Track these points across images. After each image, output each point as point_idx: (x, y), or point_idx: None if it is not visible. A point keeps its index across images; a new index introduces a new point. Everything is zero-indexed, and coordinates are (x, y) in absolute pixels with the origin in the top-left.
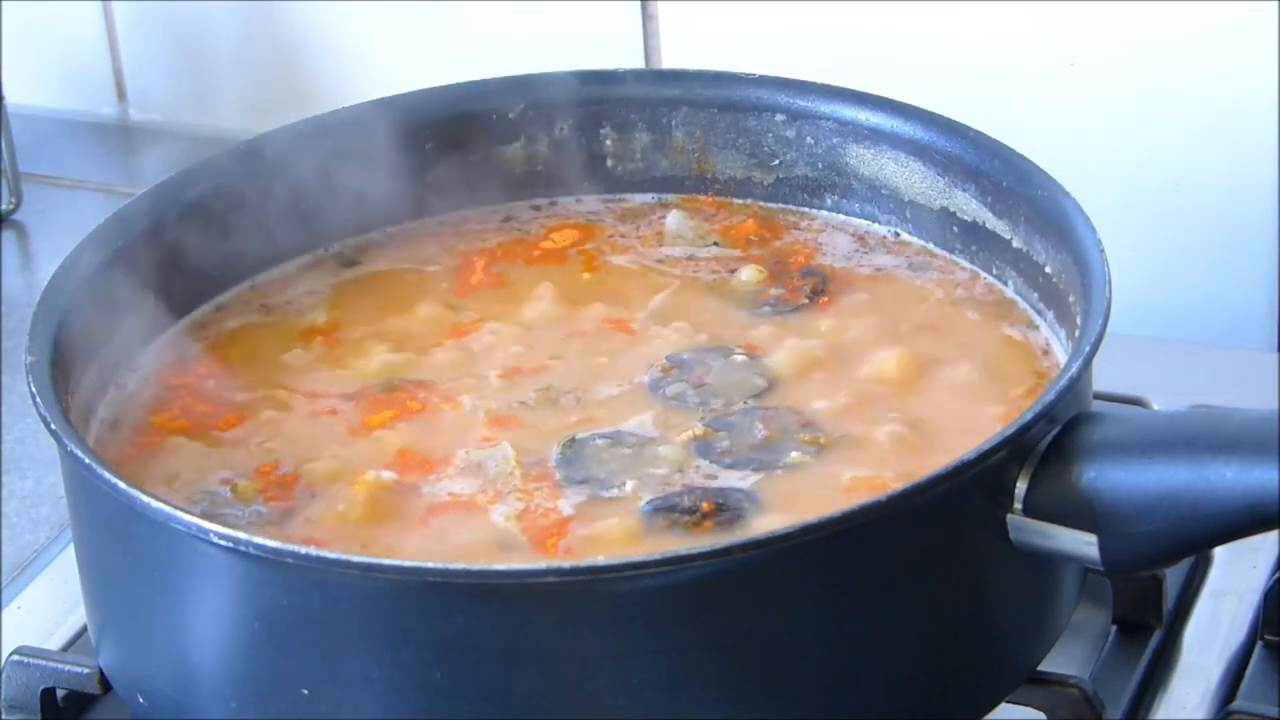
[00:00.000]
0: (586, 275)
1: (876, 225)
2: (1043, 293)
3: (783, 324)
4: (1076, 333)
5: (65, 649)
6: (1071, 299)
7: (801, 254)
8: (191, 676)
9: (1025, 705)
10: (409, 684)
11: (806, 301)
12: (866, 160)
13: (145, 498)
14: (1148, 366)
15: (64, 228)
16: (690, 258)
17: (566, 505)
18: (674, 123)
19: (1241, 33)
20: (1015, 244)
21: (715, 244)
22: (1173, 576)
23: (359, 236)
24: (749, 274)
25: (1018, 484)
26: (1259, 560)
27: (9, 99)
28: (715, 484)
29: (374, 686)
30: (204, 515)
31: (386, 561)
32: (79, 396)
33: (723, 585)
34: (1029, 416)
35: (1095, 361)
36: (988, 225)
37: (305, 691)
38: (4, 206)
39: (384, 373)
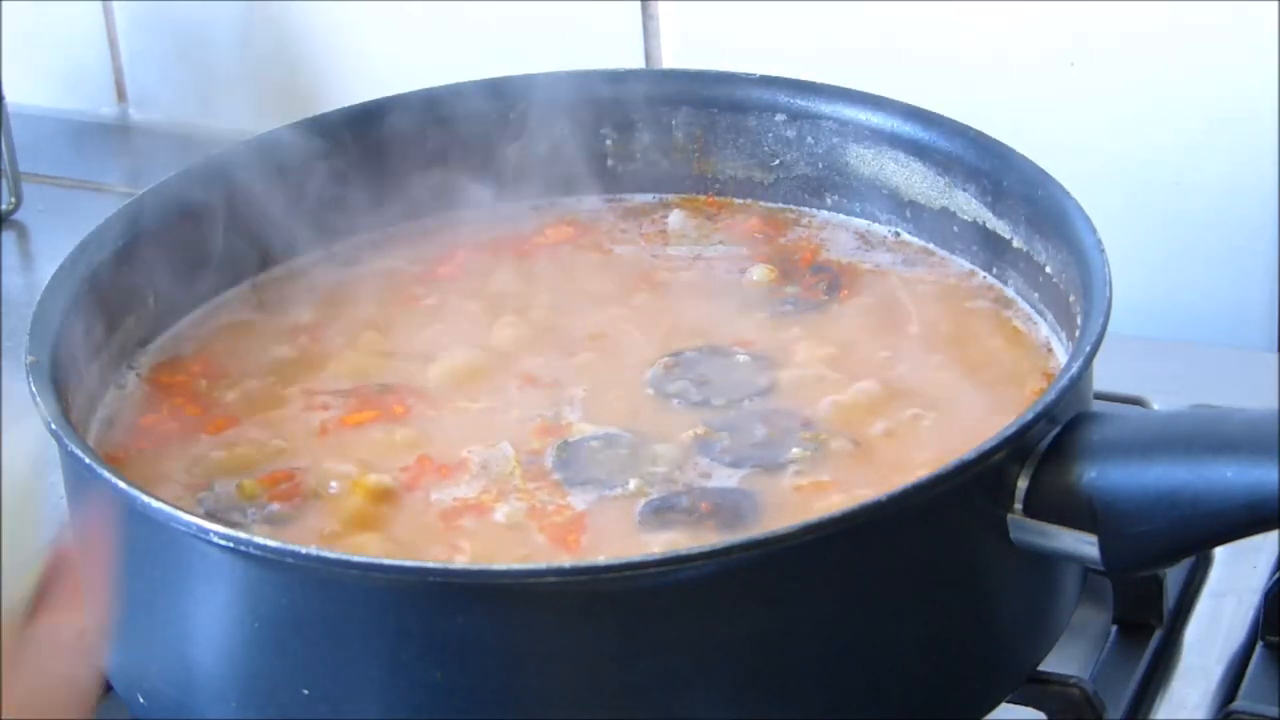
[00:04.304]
0: (589, 273)
1: (877, 225)
2: (1043, 293)
3: (805, 321)
4: (1077, 333)
5: None
6: (1071, 299)
7: (807, 250)
8: (191, 676)
9: (1025, 705)
10: (409, 684)
11: (825, 298)
12: (867, 160)
13: (145, 498)
14: (1148, 366)
15: (64, 228)
16: (698, 257)
17: (577, 503)
18: (674, 123)
19: (1242, 33)
20: (1016, 244)
21: (721, 243)
22: (1173, 576)
23: (358, 236)
24: (760, 273)
25: (1018, 484)
26: (1259, 560)
27: (9, 99)
28: (716, 484)
29: (374, 686)
30: (208, 515)
31: (386, 561)
32: (79, 396)
33: (723, 585)
34: (1029, 416)
35: (1095, 361)
36: (988, 225)
37: (305, 691)
38: (4, 206)
39: (378, 371)
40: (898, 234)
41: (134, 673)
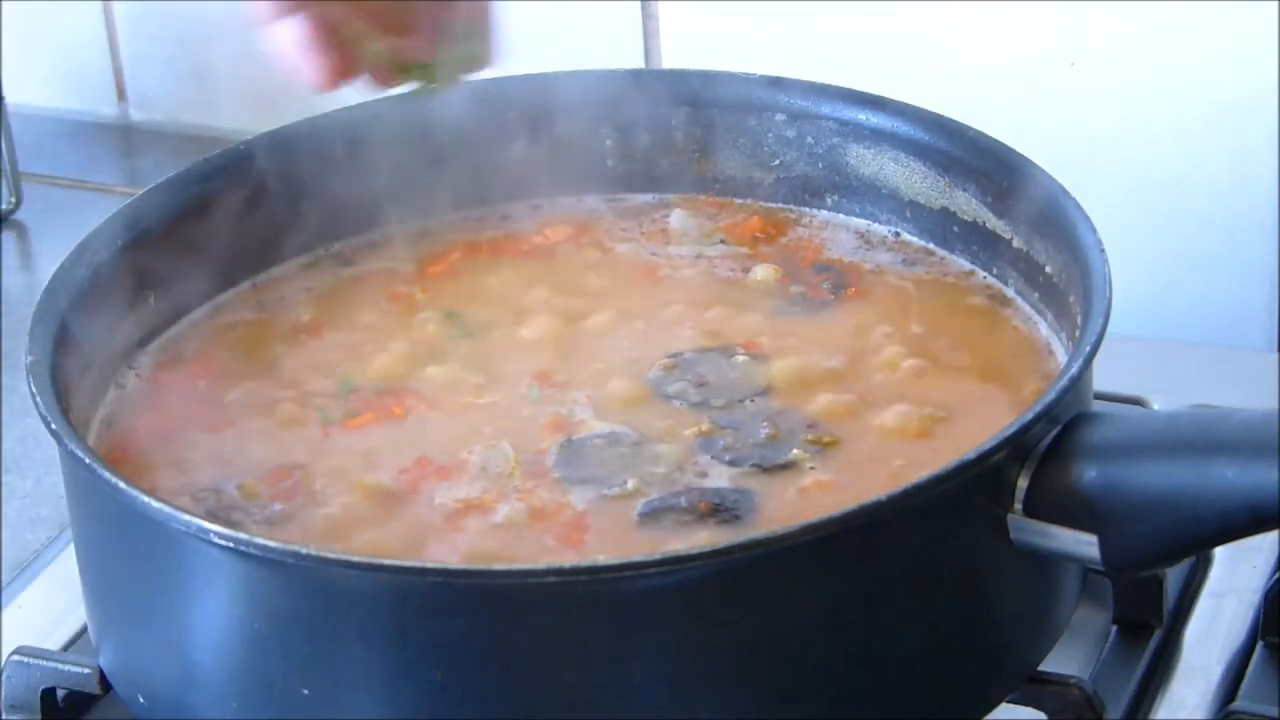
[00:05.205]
0: (589, 273)
1: (877, 225)
2: (1043, 293)
3: (809, 321)
4: (1077, 333)
5: (65, 649)
6: (1071, 299)
7: (809, 250)
8: (192, 676)
9: (1025, 705)
10: (409, 684)
11: (831, 297)
12: (867, 160)
13: (145, 498)
14: (1148, 366)
15: (64, 228)
16: (700, 256)
17: (577, 502)
18: (674, 123)
19: (1242, 33)
20: (1016, 244)
21: (722, 242)
22: (1173, 576)
23: (358, 237)
24: (765, 272)
25: (1018, 484)
26: (1259, 560)
27: (9, 99)
28: (715, 483)
29: (374, 686)
30: (209, 514)
31: (386, 561)
32: (79, 396)
33: (723, 585)
34: (1029, 416)
35: (1095, 361)
36: (988, 225)
37: (305, 691)
38: (4, 206)
39: (379, 371)
40: (898, 234)
41: (134, 673)
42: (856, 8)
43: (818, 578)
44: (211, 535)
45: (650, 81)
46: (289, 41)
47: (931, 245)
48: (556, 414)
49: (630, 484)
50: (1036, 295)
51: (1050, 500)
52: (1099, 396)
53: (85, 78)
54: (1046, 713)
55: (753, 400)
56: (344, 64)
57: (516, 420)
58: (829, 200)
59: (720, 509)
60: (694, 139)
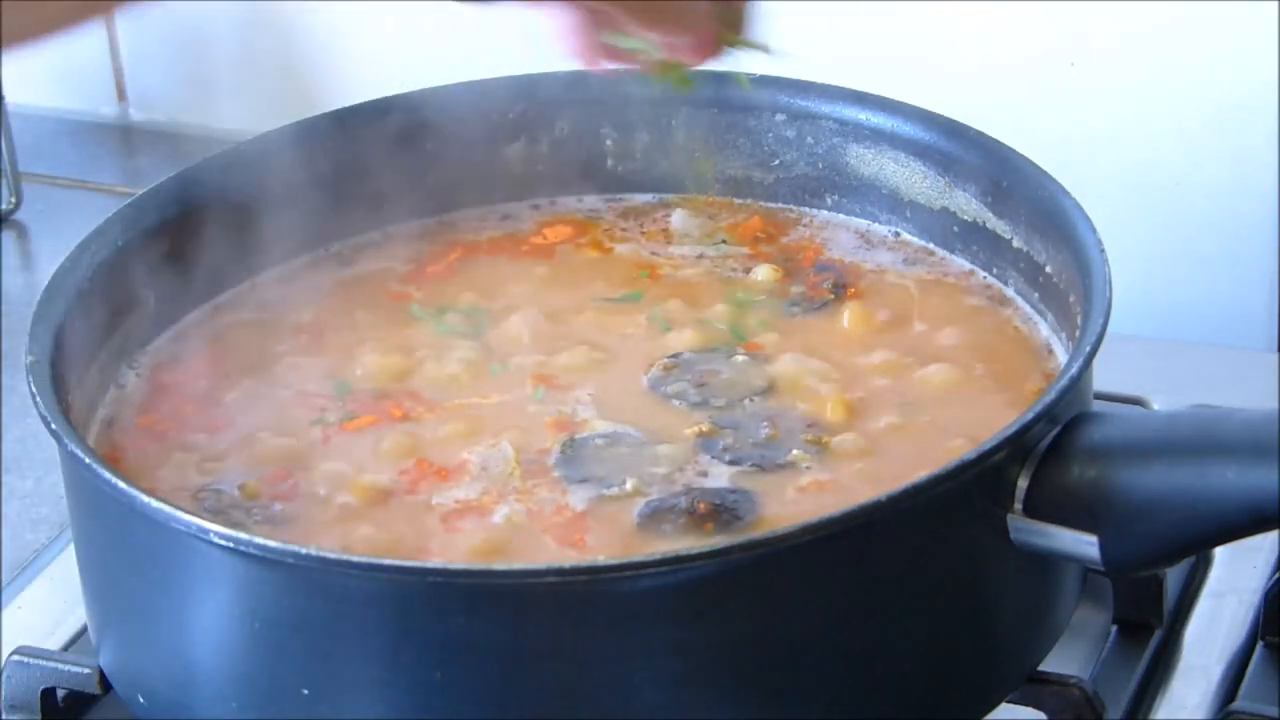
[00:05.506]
0: (589, 273)
1: (877, 225)
2: (1043, 293)
3: (810, 321)
4: (1077, 333)
5: (65, 649)
6: (1071, 299)
7: (810, 250)
8: (192, 676)
9: (1025, 705)
10: (409, 684)
11: (832, 297)
12: (867, 160)
13: (145, 497)
14: (1148, 366)
15: (64, 228)
16: (701, 256)
17: (576, 502)
18: (674, 123)
19: (1242, 33)
20: (1016, 244)
21: (723, 242)
22: (1173, 576)
23: (358, 237)
24: (765, 273)
25: (1018, 484)
26: (1259, 560)
27: (9, 99)
28: (715, 484)
29: (374, 686)
30: (209, 514)
31: (386, 561)
32: (79, 396)
33: (723, 585)
34: (1029, 416)
35: (1095, 361)
36: (988, 225)
37: (305, 691)
38: (4, 206)
39: (379, 371)
40: (898, 234)
41: (134, 673)
42: (856, 8)
43: (818, 578)
44: (211, 535)
45: (650, 81)
46: (560, 22)
47: (931, 245)
48: (560, 413)
49: (629, 484)
50: (1036, 295)
51: (1050, 500)
52: (1099, 396)
53: (85, 78)
54: (1046, 713)
55: (752, 400)
56: (608, 49)
57: (519, 420)
58: (829, 200)
59: (720, 509)
60: (694, 139)
